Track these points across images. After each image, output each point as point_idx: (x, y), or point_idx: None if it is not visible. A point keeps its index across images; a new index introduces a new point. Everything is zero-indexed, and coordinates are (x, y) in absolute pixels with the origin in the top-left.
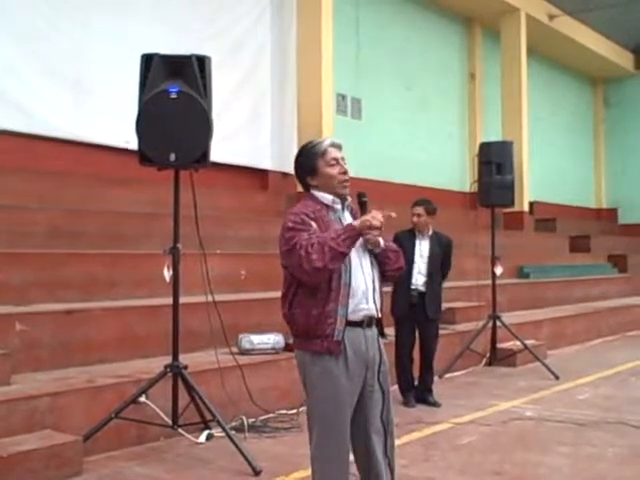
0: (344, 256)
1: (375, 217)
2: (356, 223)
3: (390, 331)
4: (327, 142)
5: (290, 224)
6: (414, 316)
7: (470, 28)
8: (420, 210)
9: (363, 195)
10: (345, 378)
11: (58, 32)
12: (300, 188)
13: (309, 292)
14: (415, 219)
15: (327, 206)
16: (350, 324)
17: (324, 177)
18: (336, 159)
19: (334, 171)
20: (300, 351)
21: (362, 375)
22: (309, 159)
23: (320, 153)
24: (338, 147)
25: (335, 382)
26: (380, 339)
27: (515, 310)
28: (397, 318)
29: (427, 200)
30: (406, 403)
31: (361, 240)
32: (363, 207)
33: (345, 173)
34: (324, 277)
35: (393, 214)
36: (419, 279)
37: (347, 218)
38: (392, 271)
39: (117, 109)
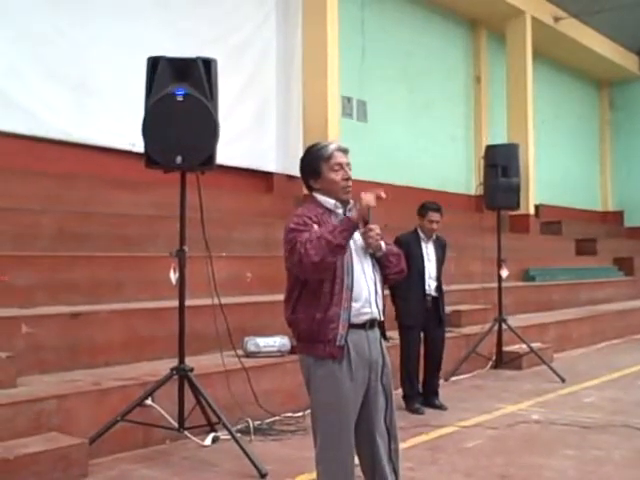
0: (341, 248)
1: (366, 198)
2: (353, 214)
3: (392, 334)
4: (333, 146)
5: (292, 225)
6: (424, 321)
7: (475, 31)
8: (439, 217)
9: None
10: (349, 381)
11: (61, 34)
12: (306, 190)
13: (312, 296)
14: (435, 226)
15: (329, 210)
16: (352, 326)
17: (327, 182)
18: (340, 164)
19: (337, 177)
20: (303, 355)
21: (365, 377)
22: (313, 162)
23: (325, 157)
24: (344, 152)
25: (338, 385)
26: (383, 341)
27: (521, 313)
28: (409, 325)
29: (439, 205)
30: (415, 410)
31: (363, 244)
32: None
33: (348, 179)
34: (325, 272)
35: (383, 195)
36: (431, 284)
37: None
38: (394, 274)
39: (120, 111)
